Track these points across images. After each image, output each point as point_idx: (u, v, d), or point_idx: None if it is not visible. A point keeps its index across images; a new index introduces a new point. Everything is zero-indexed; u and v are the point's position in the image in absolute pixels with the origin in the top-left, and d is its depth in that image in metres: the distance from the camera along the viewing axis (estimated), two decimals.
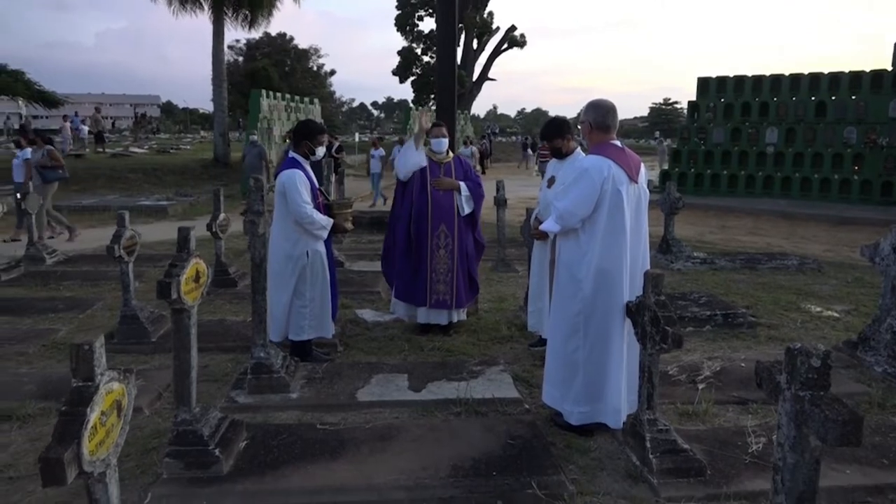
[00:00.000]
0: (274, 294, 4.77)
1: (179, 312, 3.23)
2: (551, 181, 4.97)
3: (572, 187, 3.68)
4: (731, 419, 4.13)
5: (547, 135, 4.99)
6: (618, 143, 3.85)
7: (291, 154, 4.89)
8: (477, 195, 5.68)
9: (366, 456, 3.44)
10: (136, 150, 27.97)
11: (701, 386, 4.55)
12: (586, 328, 3.67)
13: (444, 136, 5.58)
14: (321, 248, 4.86)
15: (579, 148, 4.99)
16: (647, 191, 3.87)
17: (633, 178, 3.70)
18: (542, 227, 3.94)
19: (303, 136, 4.89)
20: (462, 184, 5.59)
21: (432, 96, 45.73)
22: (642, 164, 3.91)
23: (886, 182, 15.85)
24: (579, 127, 4.02)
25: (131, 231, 5.40)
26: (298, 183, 4.64)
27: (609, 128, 3.83)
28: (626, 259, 3.64)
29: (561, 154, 4.96)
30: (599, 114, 3.84)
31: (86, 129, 29.33)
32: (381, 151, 18.82)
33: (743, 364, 4.94)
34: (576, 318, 3.69)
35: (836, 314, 6.48)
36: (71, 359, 2.04)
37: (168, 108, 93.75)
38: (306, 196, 4.66)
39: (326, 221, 4.83)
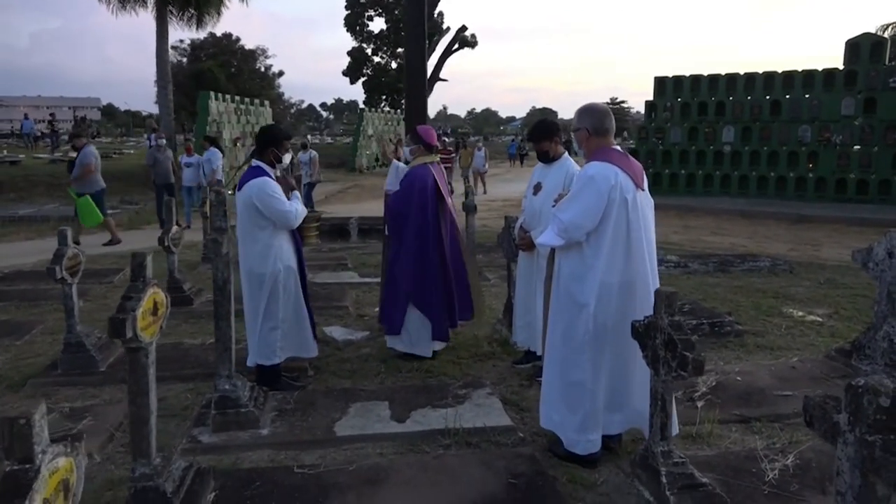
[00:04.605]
0: (248, 316, 4.40)
1: (135, 351, 2.80)
2: (537, 188, 4.65)
3: (577, 197, 3.35)
4: (738, 440, 3.88)
5: (534, 136, 4.68)
6: (619, 147, 3.56)
7: (256, 162, 4.46)
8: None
9: None
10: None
11: (700, 404, 4.29)
12: (595, 349, 3.36)
13: (408, 146, 5.37)
14: (294, 263, 4.47)
15: (566, 153, 4.68)
16: (652, 199, 3.58)
17: (639, 184, 3.41)
18: (541, 240, 3.60)
19: (268, 142, 4.48)
20: None
21: (384, 97, 45.28)
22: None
23: (840, 179, 16.10)
24: (573, 135, 3.71)
25: (74, 249, 4.87)
26: (269, 190, 4.26)
27: (608, 131, 3.54)
28: (638, 271, 3.36)
29: (548, 158, 4.65)
30: (596, 118, 3.54)
31: (37, 129, 28.26)
32: (196, 158, 12.92)
33: (738, 378, 4.70)
34: (581, 338, 3.37)
35: (818, 318, 6.34)
36: (2, 436, 1.62)
37: (109, 111, 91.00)
38: (281, 197, 4.32)
39: (303, 210, 4.53)
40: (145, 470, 2.85)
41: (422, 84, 6.13)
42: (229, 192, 4.77)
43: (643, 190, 3.45)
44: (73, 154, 10.59)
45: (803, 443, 3.71)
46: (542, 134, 4.61)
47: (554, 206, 3.60)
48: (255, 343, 4.45)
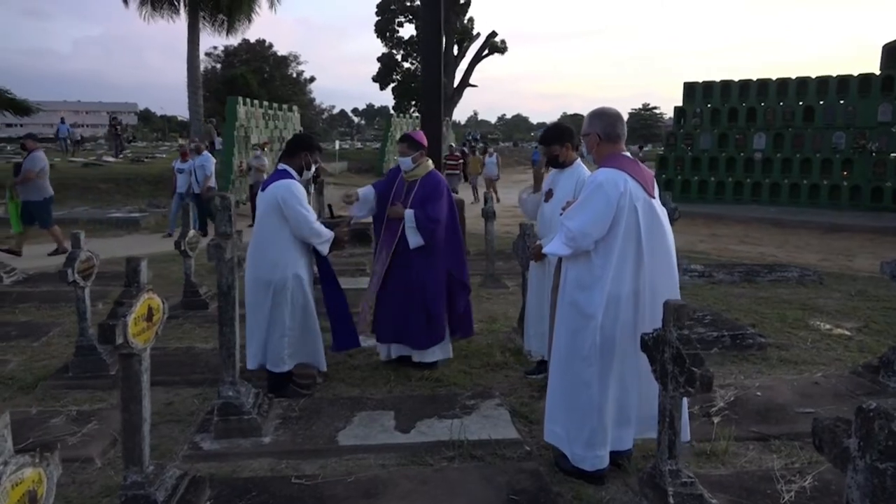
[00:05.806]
0: (250, 320, 4.35)
1: (128, 358, 2.76)
2: (549, 195, 4.55)
3: (585, 204, 3.25)
4: (754, 459, 3.73)
5: (546, 139, 4.57)
6: (628, 154, 3.45)
7: (282, 166, 4.43)
8: (424, 228, 4.76)
9: None
10: (110, 158, 27.24)
11: (716, 419, 4.14)
12: (602, 363, 3.24)
13: (404, 155, 4.91)
14: (303, 273, 4.42)
15: (579, 159, 4.57)
16: (664, 208, 3.46)
17: (649, 192, 3.29)
18: (547, 249, 3.50)
19: (302, 147, 4.45)
20: (407, 212, 4.78)
21: (413, 103, 45.35)
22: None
23: (876, 188, 15.67)
24: (582, 140, 3.61)
25: (87, 252, 4.89)
26: (297, 192, 4.22)
27: (619, 137, 3.43)
28: (649, 280, 3.24)
29: (558, 163, 4.54)
30: (608, 123, 3.44)
31: (77, 134, 29.14)
32: (189, 164, 12.55)
33: (758, 393, 4.53)
34: (588, 350, 3.26)
35: (847, 332, 6.12)
36: None
37: (146, 116, 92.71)
38: (307, 205, 4.27)
39: (329, 234, 4.45)
40: (137, 478, 2.81)
41: (437, 102, 6.06)
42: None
43: (654, 198, 3.32)
44: (24, 153, 10.27)
45: (823, 463, 3.53)
46: (552, 138, 4.51)
47: (562, 213, 3.51)
48: (257, 347, 4.41)
